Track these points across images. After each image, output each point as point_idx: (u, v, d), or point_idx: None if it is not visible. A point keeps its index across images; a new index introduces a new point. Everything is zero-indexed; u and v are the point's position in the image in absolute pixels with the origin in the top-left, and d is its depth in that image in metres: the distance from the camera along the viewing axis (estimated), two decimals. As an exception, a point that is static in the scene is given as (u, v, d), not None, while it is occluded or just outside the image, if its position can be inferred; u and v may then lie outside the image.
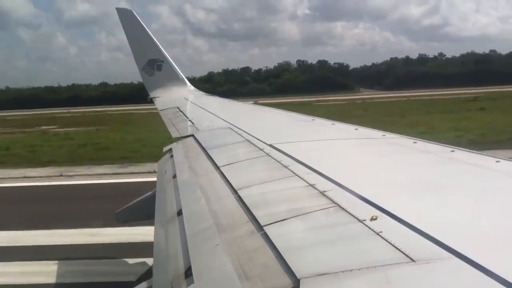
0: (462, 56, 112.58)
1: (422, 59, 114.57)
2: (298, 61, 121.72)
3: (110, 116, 53.60)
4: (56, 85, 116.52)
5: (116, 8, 11.99)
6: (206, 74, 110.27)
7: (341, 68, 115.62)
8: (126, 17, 11.86)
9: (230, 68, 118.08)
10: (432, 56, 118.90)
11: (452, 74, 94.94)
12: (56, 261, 9.10)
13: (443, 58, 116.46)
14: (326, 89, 73.55)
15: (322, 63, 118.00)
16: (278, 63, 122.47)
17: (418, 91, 70.97)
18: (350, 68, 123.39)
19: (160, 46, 12.14)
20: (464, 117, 31.54)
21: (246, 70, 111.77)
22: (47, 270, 8.71)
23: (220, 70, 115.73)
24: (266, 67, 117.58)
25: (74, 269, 8.96)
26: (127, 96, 75.22)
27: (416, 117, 33.97)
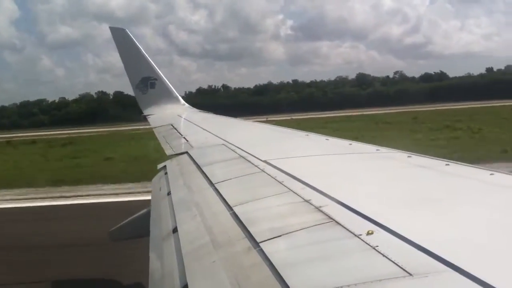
0: (316, 82, 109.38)
1: (259, 90, 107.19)
2: (79, 94, 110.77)
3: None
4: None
5: (110, 27, 12.20)
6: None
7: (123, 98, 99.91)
8: (119, 36, 11.99)
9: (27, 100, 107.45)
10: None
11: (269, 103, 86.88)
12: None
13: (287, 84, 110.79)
14: (107, 120, 70.26)
15: (103, 93, 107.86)
16: (79, 94, 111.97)
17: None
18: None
19: (154, 64, 12.23)
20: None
21: (39, 102, 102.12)
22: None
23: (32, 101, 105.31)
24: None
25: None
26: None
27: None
